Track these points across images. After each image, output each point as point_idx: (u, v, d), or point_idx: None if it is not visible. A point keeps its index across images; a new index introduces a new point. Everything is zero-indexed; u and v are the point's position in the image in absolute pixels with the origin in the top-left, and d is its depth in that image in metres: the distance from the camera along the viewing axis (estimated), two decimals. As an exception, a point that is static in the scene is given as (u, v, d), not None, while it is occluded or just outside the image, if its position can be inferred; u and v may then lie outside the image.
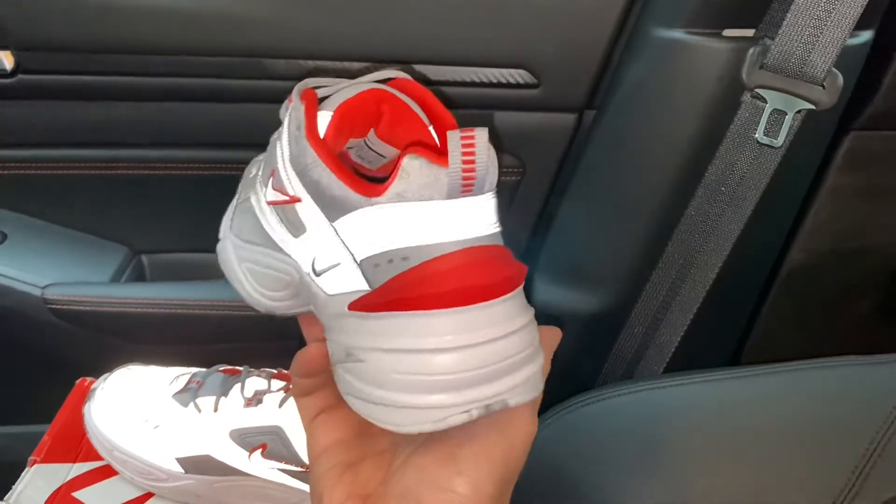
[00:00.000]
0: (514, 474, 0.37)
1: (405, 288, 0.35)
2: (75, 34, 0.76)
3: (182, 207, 0.91)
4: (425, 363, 0.34)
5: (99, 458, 0.63)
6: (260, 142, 0.85)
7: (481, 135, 0.34)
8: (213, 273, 0.95)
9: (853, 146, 0.83)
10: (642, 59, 0.75)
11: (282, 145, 0.41)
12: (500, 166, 0.85)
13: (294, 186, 0.39)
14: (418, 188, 0.35)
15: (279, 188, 0.41)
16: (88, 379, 0.71)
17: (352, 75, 0.44)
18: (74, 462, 0.63)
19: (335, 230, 0.37)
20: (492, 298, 0.35)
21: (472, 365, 0.34)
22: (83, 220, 0.93)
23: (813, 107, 0.68)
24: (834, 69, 0.67)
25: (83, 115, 0.84)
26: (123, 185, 0.89)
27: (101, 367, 0.70)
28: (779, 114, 0.68)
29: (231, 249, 0.46)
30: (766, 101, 0.68)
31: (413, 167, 0.34)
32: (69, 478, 0.61)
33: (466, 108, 0.82)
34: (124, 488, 0.60)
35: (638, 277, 0.81)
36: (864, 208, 0.88)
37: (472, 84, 0.80)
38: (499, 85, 0.79)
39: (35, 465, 0.61)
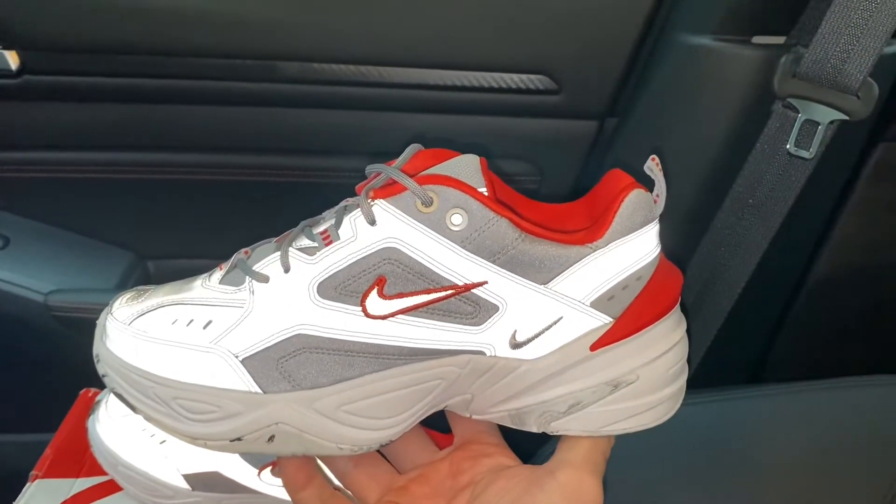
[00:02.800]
0: None
1: (649, 303, 0.41)
2: (82, 35, 0.75)
3: (189, 213, 0.89)
4: (676, 355, 0.43)
5: (103, 472, 0.60)
6: (269, 146, 0.84)
7: (658, 158, 0.43)
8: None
9: (883, 157, 0.81)
10: (668, 65, 0.73)
11: (421, 240, 0.38)
12: (518, 173, 0.84)
13: (466, 273, 0.38)
14: (639, 221, 0.40)
15: (416, 290, 0.38)
16: (92, 390, 0.69)
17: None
18: (78, 477, 0.60)
19: (550, 291, 0.39)
20: (680, 295, 0.44)
21: (686, 347, 0.44)
22: (88, 224, 0.91)
23: (846, 117, 0.66)
24: (869, 79, 0.65)
25: (89, 117, 0.82)
26: (129, 189, 0.87)
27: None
28: (811, 124, 0.66)
29: (295, 409, 0.38)
30: (797, 112, 0.66)
31: (635, 202, 0.40)
32: (72, 493, 0.59)
33: (485, 115, 0.80)
34: (129, 505, 0.58)
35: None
36: (893, 221, 0.85)
37: (492, 90, 0.78)
38: (519, 91, 0.77)
39: (37, 480, 0.59)
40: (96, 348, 0.43)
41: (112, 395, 0.62)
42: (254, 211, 0.89)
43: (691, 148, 0.73)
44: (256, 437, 0.38)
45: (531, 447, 0.63)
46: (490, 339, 0.39)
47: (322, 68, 0.76)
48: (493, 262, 0.38)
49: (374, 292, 0.38)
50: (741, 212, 0.72)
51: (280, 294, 0.39)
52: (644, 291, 0.41)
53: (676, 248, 0.77)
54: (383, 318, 0.38)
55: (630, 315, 0.41)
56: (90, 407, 0.65)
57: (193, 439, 0.39)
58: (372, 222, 0.39)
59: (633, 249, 0.40)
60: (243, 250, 0.43)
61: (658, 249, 0.43)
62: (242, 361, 0.38)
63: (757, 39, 0.69)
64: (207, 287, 0.42)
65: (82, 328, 0.83)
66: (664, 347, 0.42)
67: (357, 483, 0.44)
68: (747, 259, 0.73)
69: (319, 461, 0.46)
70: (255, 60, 0.76)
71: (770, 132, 0.68)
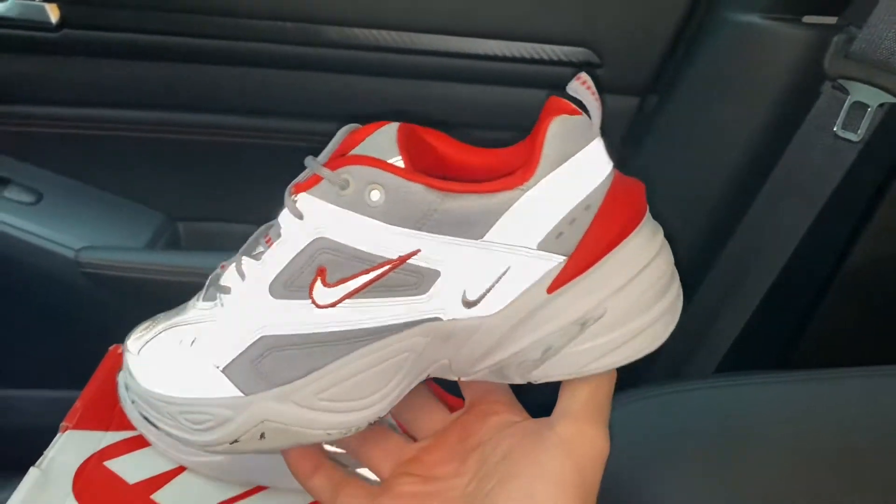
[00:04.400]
0: (593, 492, 0.37)
1: (605, 229, 0.37)
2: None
3: (221, 176, 0.89)
4: (652, 274, 0.38)
5: (132, 427, 0.60)
6: (305, 111, 0.84)
7: (586, 75, 0.38)
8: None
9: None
10: (714, 43, 0.72)
11: (341, 220, 0.38)
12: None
13: (396, 246, 0.38)
14: (572, 143, 0.37)
15: (354, 273, 0.38)
16: (122, 346, 0.69)
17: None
18: (107, 430, 0.60)
19: (488, 243, 0.37)
20: (645, 209, 0.40)
21: (669, 260, 0.40)
22: (120, 183, 0.91)
23: (898, 100, 0.64)
24: (923, 62, 0.64)
25: (127, 75, 0.82)
26: (163, 149, 0.87)
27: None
28: (860, 107, 0.65)
29: (275, 405, 0.40)
30: (847, 93, 0.65)
31: (561, 130, 0.37)
32: (101, 446, 0.59)
33: (519, 86, 0.80)
34: (157, 460, 0.57)
35: (693, 272, 0.78)
36: (934, 213, 0.84)
37: (531, 61, 0.77)
38: (559, 63, 0.76)
39: (67, 432, 0.58)
40: (123, 378, 0.49)
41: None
42: (287, 176, 0.88)
43: (733, 128, 0.72)
44: (249, 437, 0.40)
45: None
46: (441, 304, 0.38)
47: (361, 33, 0.76)
48: (420, 228, 0.37)
49: (319, 283, 0.39)
50: (782, 194, 0.71)
51: (240, 302, 0.41)
52: (597, 219, 0.38)
53: (712, 230, 0.76)
54: (333, 305, 0.39)
55: (584, 247, 0.38)
56: (117, 362, 0.65)
57: (203, 447, 0.42)
58: (299, 216, 0.39)
59: (571, 180, 0.37)
60: (221, 265, 0.44)
61: (607, 169, 0.39)
62: (223, 371, 0.40)
63: (807, 19, 0.68)
64: (195, 306, 0.44)
65: (112, 286, 0.84)
66: (631, 272, 0.38)
67: (368, 458, 0.44)
68: (786, 241, 0.72)
69: (328, 446, 0.46)
70: (301, 23, 0.76)
71: (817, 113, 0.67)
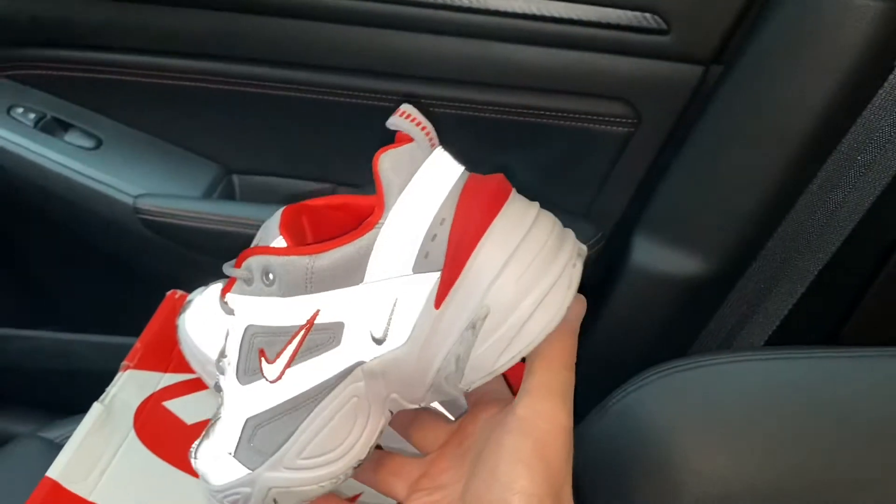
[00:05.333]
0: (558, 466, 0.38)
1: (463, 232, 0.38)
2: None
3: (278, 130, 0.89)
4: (524, 257, 0.38)
5: (190, 370, 0.61)
6: (368, 68, 0.83)
7: (407, 105, 0.40)
8: (302, 199, 0.94)
9: None
10: (784, 13, 0.71)
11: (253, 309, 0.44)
12: (613, 115, 0.82)
13: (301, 313, 0.42)
14: (406, 170, 0.40)
15: (284, 346, 0.43)
16: (179, 292, 0.70)
17: None
18: (165, 372, 0.61)
19: (369, 284, 0.40)
20: (510, 191, 0.40)
21: (548, 230, 0.39)
22: (178, 133, 0.92)
23: (974, 78, 0.63)
24: None
25: (190, 23, 0.82)
26: (222, 101, 0.88)
27: (188, 282, 0.69)
28: (934, 82, 0.63)
29: (273, 474, 0.45)
30: (921, 68, 0.63)
31: (388, 166, 0.40)
32: (160, 387, 0.60)
33: (582, 50, 0.79)
34: (213, 404, 0.59)
35: (749, 245, 0.77)
36: None
37: (596, 25, 0.76)
38: (625, 28, 0.75)
39: (128, 371, 0.60)
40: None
41: (203, 294, 0.63)
42: (342, 134, 0.89)
43: (798, 102, 0.71)
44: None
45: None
46: (356, 349, 0.42)
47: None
48: (309, 292, 0.42)
49: (264, 362, 0.44)
50: (845, 171, 0.69)
51: (227, 396, 0.47)
52: (454, 226, 0.39)
53: (771, 204, 0.75)
54: (280, 377, 0.43)
55: (451, 256, 0.39)
56: (176, 307, 0.66)
57: None
58: (232, 313, 0.46)
59: (416, 202, 0.40)
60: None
61: (454, 177, 0.40)
62: (234, 456, 0.46)
63: (883, -9, 0.66)
64: (218, 406, 0.49)
65: (168, 233, 0.85)
66: (498, 264, 0.38)
67: (385, 485, 0.47)
68: (845, 221, 0.71)
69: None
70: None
71: (890, 87, 0.65)
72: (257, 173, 0.93)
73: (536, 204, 0.41)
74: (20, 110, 0.88)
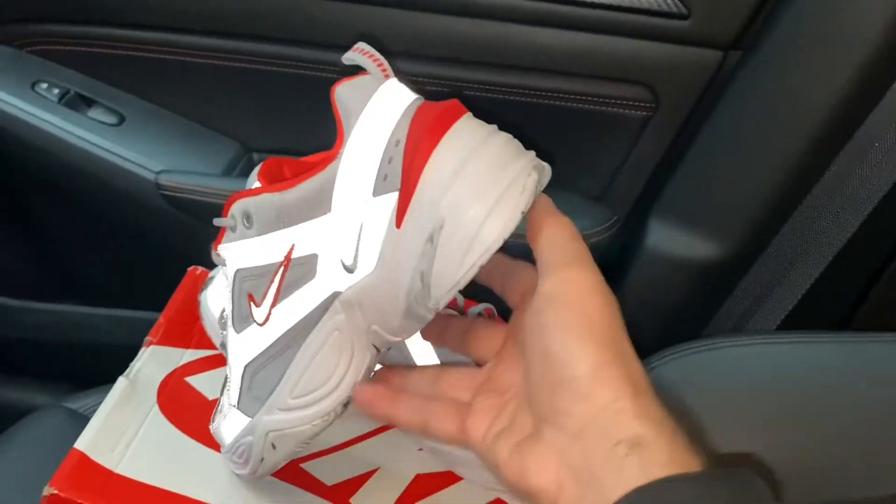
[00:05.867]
0: (613, 324, 0.36)
1: (416, 151, 0.38)
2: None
3: (299, 109, 0.90)
4: (478, 163, 0.38)
5: (211, 346, 0.62)
6: (389, 49, 0.83)
7: (362, 43, 0.42)
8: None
9: None
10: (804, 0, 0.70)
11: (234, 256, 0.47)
12: (631, 99, 0.82)
13: (278, 249, 0.44)
14: (360, 98, 0.40)
15: (268, 286, 0.45)
16: (200, 268, 0.71)
17: None
18: (188, 348, 0.63)
19: (336, 213, 0.41)
20: (465, 112, 0.40)
21: (501, 144, 0.39)
22: (199, 110, 0.92)
23: None
24: None
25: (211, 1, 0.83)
26: (242, 79, 0.88)
27: (208, 258, 0.70)
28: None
29: (269, 417, 0.46)
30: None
31: (344, 98, 0.41)
32: (182, 362, 0.61)
33: (600, 33, 0.79)
34: (233, 380, 0.60)
35: (764, 229, 0.77)
36: None
37: (616, 8, 0.76)
38: (645, 12, 0.75)
39: (151, 346, 0.61)
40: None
41: (221, 271, 0.64)
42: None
43: (821, 87, 0.71)
44: (267, 452, 0.47)
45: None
46: (330, 279, 0.43)
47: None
48: (282, 227, 0.43)
49: (253, 306, 0.46)
50: (864, 156, 0.70)
51: (229, 345, 0.49)
52: (408, 147, 0.39)
53: (788, 188, 0.75)
54: (268, 319, 0.45)
55: (406, 175, 0.39)
56: (197, 283, 0.67)
57: (252, 477, 0.49)
58: (224, 263, 0.48)
59: (372, 127, 0.40)
60: None
61: (407, 102, 0.40)
62: (237, 407, 0.48)
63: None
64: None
65: (189, 209, 0.86)
66: (448, 174, 0.38)
67: (446, 399, 0.44)
68: (862, 206, 0.72)
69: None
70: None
71: (911, 76, 0.65)
72: (277, 152, 0.94)
73: (494, 126, 0.40)
74: (44, 86, 0.89)
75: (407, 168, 0.39)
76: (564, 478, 0.34)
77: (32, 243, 1.00)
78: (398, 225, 0.39)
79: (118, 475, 0.51)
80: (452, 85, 0.83)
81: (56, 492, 0.49)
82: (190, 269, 0.71)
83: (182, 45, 0.86)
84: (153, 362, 0.60)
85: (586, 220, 0.82)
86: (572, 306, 0.36)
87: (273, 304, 0.45)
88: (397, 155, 0.39)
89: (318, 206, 0.42)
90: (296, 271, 0.44)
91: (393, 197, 0.39)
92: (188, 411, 0.57)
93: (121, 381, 0.57)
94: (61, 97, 0.89)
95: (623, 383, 0.34)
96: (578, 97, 0.83)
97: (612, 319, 0.36)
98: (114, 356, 0.61)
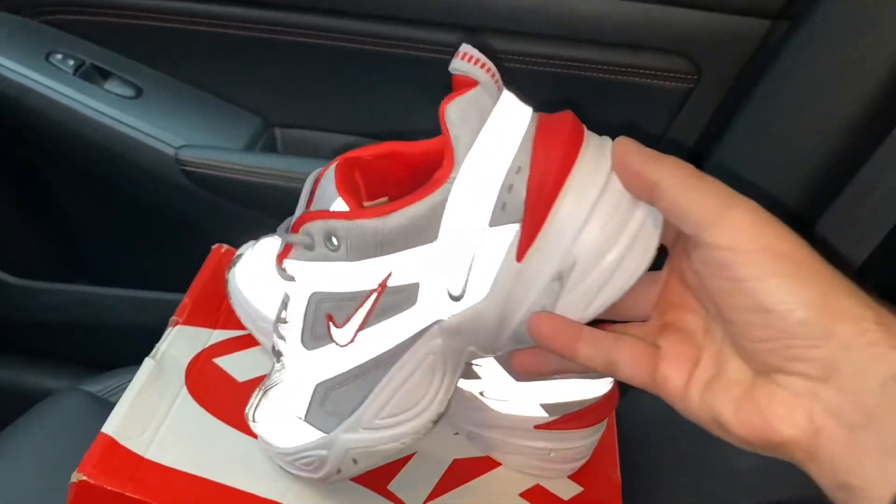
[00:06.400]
0: (811, 256, 0.33)
1: (543, 180, 0.37)
2: None
3: (322, 82, 0.87)
4: (608, 203, 0.37)
5: (240, 326, 0.60)
6: (418, 17, 0.81)
7: (467, 46, 0.38)
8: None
9: None
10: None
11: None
12: (672, 70, 0.79)
13: (372, 277, 0.41)
14: (475, 118, 0.37)
15: (354, 310, 0.42)
16: (225, 246, 0.68)
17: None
18: (215, 328, 0.60)
19: (444, 242, 0.39)
20: (584, 131, 0.38)
21: (613, 200, 0.37)
22: (219, 83, 0.90)
23: None
24: None
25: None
26: (264, 50, 0.86)
27: (228, 236, 0.68)
28: None
29: (351, 436, 0.45)
30: None
31: (456, 112, 0.37)
32: (210, 343, 0.59)
33: (646, 2, 0.76)
34: (265, 361, 0.57)
35: (812, 209, 0.74)
36: None
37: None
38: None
39: (177, 326, 0.59)
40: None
41: (254, 248, 0.62)
42: (387, 86, 0.86)
43: (872, 62, 0.67)
44: (345, 465, 0.46)
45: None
46: (433, 308, 0.41)
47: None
48: (381, 254, 0.40)
49: (333, 327, 0.43)
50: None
51: (290, 361, 0.46)
52: (532, 175, 0.37)
53: (833, 166, 0.72)
54: (352, 341, 0.43)
55: (531, 207, 0.37)
56: (222, 262, 0.64)
57: (321, 482, 0.48)
58: (292, 279, 0.44)
59: (490, 151, 0.37)
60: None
61: (525, 123, 0.38)
62: (305, 420, 0.46)
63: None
64: (274, 367, 0.49)
65: (211, 185, 0.84)
66: (583, 213, 0.37)
67: (628, 363, 0.40)
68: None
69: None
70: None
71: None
72: (300, 127, 0.92)
73: (608, 140, 0.38)
74: (59, 56, 0.86)
75: (532, 200, 0.37)
76: (824, 423, 0.32)
77: (47, 221, 0.98)
78: (519, 258, 0.38)
79: (148, 461, 0.49)
80: (497, 57, 0.79)
81: (85, 478, 0.47)
82: (215, 247, 0.69)
83: (202, 14, 0.84)
84: (180, 342, 0.58)
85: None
86: (766, 251, 0.33)
87: (360, 328, 0.42)
88: (519, 183, 0.37)
89: (423, 233, 0.39)
90: (392, 298, 0.41)
91: (513, 229, 0.38)
92: (218, 393, 0.55)
93: (147, 363, 0.55)
94: (76, 69, 0.86)
95: (860, 313, 0.31)
96: (615, 68, 0.80)
97: (809, 251, 0.33)
98: (132, 338, 0.60)
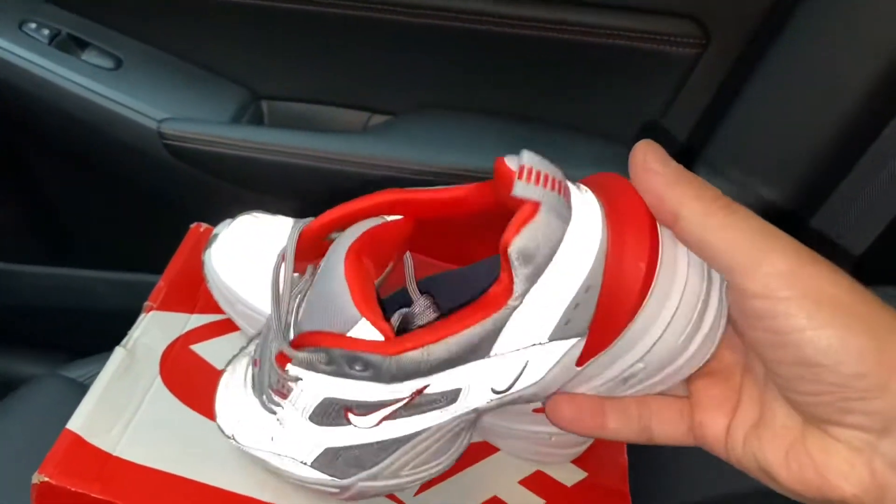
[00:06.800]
0: (863, 298, 0.31)
1: (616, 302, 0.34)
2: None
3: (310, 52, 0.84)
4: (683, 317, 0.35)
5: (218, 310, 0.57)
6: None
7: (527, 156, 0.33)
8: (334, 127, 0.89)
9: None
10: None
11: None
12: (680, 35, 0.76)
13: (403, 390, 0.37)
14: (545, 247, 0.33)
15: (365, 413, 0.39)
16: (204, 225, 0.65)
17: None
18: (192, 313, 0.57)
19: (497, 356, 0.36)
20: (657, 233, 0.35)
21: (700, 272, 0.35)
22: (203, 54, 0.87)
23: None
24: None
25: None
26: (250, 18, 0.82)
27: (213, 213, 0.64)
28: None
29: (371, 483, 0.43)
30: None
31: (523, 243, 0.33)
32: (186, 329, 0.56)
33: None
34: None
35: (823, 180, 0.71)
36: None
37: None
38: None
39: (151, 312, 0.55)
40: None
41: (230, 227, 0.58)
42: (377, 57, 0.83)
43: (889, 25, 0.64)
44: (358, 495, 0.43)
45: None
46: (473, 402, 0.39)
47: None
48: (421, 376, 0.37)
49: (352, 416, 0.40)
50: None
51: (291, 425, 0.42)
52: (603, 295, 0.34)
53: (851, 132, 0.69)
54: (377, 425, 0.40)
55: (600, 323, 0.35)
56: (201, 241, 0.61)
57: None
58: (299, 379, 0.39)
59: (558, 276, 0.34)
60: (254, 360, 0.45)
61: (596, 238, 0.34)
62: (312, 466, 0.43)
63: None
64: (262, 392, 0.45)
65: (195, 160, 0.81)
66: (659, 330, 0.35)
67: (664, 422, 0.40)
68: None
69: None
70: None
71: None
72: (287, 99, 0.89)
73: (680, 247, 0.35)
74: (33, 25, 0.83)
75: (602, 318, 0.35)
76: (890, 479, 0.31)
77: (23, 200, 0.96)
78: (580, 364, 0.37)
79: (116, 458, 0.45)
80: (487, 20, 0.76)
81: (47, 479, 0.44)
82: (193, 225, 0.65)
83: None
84: (154, 330, 0.54)
85: (627, 169, 0.76)
86: (808, 299, 0.30)
87: (386, 418, 0.39)
88: (587, 302, 0.35)
89: (474, 352, 0.36)
90: (427, 399, 0.38)
91: (572, 341, 0.36)
92: (195, 383, 0.51)
93: (118, 352, 0.51)
94: (52, 38, 0.83)
95: None
96: (619, 33, 0.76)
97: (856, 292, 0.30)
98: (114, 322, 0.56)
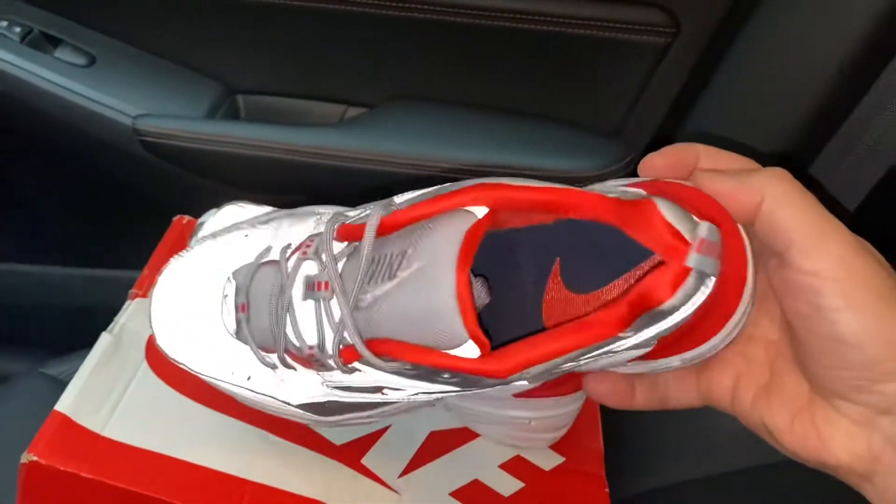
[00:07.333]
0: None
1: (699, 322, 0.35)
2: None
3: (286, 45, 0.84)
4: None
5: (201, 300, 0.57)
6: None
7: (706, 228, 0.33)
8: (311, 120, 0.89)
9: None
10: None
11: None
12: (649, 23, 0.77)
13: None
14: (687, 297, 0.34)
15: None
16: (187, 217, 0.65)
17: None
18: (178, 301, 0.57)
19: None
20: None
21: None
22: (176, 49, 0.87)
23: None
24: None
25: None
26: (223, 12, 0.82)
27: (191, 208, 0.65)
28: None
29: None
30: None
31: (686, 292, 0.33)
32: (171, 315, 0.56)
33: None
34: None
35: (797, 164, 0.72)
36: None
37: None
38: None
39: (136, 299, 0.56)
40: None
41: (215, 217, 0.59)
42: (360, 51, 0.83)
43: (857, 7, 0.65)
44: None
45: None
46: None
47: None
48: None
49: (386, 389, 0.40)
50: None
51: (291, 383, 0.43)
52: (684, 326, 0.35)
53: (819, 125, 0.70)
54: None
55: (667, 344, 0.37)
56: (184, 232, 0.62)
57: None
58: (353, 371, 0.40)
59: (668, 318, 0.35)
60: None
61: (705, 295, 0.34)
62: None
63: None
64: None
65: (171, 156, 0.81)
66: (712, 347, 0.38)
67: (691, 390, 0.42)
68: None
69: None
70: None
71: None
72: (263, 93, 0.88)
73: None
74: (3, 24, 0.83)
75: (673, 342, 0.37)
76: (882, 452, 0.34)
77: (-1, 198, 0.94)
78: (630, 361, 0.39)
79: (105, 438, 0.46)
80: (460, 12, 0.76)
81: (36, 458, 0.44)
82: (176, 217, 0.65)
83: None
84: (140, 316, 0.55)
85: (599, 158, 0.77)
86: (854, 283, 0.32)
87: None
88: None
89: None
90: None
91: (640, 351, 0.37)
92: (180, 367, 0.52)
93: (104, 338, 0.52)
94: (24, 36, 0.83)
95: None
96: (590, 23, 0.77)
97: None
98: (93, 319, 0.56)
